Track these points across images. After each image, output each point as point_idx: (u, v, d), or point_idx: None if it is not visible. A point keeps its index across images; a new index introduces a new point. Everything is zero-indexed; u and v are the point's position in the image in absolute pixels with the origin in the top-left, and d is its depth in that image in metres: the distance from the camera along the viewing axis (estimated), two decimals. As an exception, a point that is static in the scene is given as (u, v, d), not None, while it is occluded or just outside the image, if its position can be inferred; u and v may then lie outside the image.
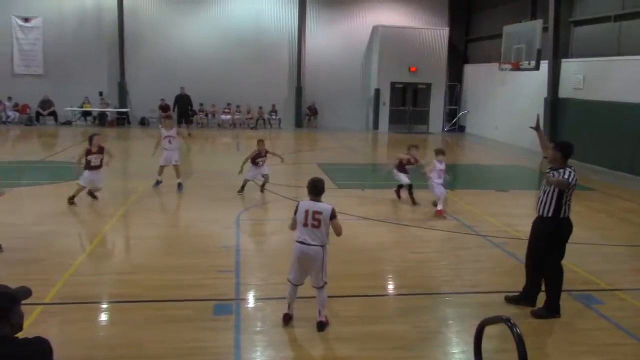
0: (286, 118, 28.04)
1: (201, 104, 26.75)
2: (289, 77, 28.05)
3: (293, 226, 6.07)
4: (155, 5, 26.65)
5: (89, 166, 11.03)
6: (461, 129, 28.69)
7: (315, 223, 5.83)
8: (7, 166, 15.43)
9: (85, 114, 26.32)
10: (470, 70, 28.58)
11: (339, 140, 23.85)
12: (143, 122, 26.73)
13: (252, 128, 26.94)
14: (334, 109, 28.26)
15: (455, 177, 12.79)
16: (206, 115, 27.19)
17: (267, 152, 12.52)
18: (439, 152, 11.56)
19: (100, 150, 11.18)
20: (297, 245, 5.92)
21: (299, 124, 28.23)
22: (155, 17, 26.57)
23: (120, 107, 26.59)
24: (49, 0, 25.72)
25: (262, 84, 27.36)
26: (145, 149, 18.37)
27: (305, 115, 28.25)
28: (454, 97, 29.23)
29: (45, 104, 25.70)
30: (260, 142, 12.46)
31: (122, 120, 26.63)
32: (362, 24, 28.10)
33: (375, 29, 27.76)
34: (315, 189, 5.98)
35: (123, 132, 24.56)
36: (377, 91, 27.63)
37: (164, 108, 25.78)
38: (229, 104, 27.27)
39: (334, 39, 28.09)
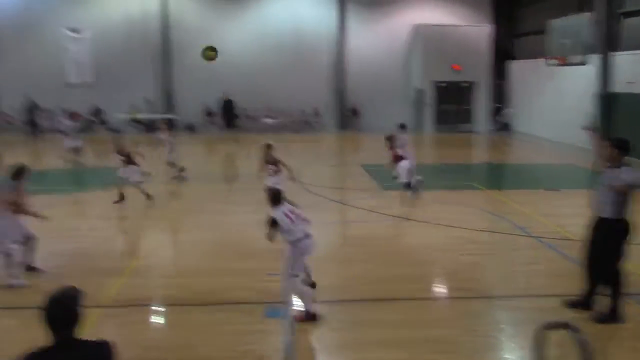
0: (329, 120, 28.08)
1: (244, 109, 27.08)
2: (330, 79, 28.09)
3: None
4: (198, 13, 27.19)
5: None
6: (507, 127, 28.05)
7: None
8: (63, 172, 15.99)
9: (134, 120, 27.03)
10: (516, 67, 27.93)
11: (383, 141, 23.65)
12: (190, 128, 27.25)
13: (295, 131, 27.09)
14: (376, 110, 28.10)
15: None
16: (250, 119, 27.50)
17: (277, 161, 10.48)
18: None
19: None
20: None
21: (341, 125, 28.22)
22: (198, 25, 27.04)
23: (167, 114, 27.18)
24: (97, 12, 26.60)
25: (303, 87, 27.48)
26: (191, 155, 18.72)
27: (348, 116, 28.22)
28: (500, 94, 28.62)
29: (96, 112, 26.55)
30: (267, 147, 10.68)
31: (170, 126, 27.15)
32: (402, 23, 27.89)
33: (416, 27, 27.49)
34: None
35: (170, 138, 25.05)
36: (420, 91, 27.34)
37: (208, 113, 26.23)
38: (271, 108, 27.50)
39: (374, 39, 27.96)
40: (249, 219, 10.72)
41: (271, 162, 10.52)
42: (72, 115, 26.47)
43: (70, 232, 9.80)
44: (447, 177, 16.08)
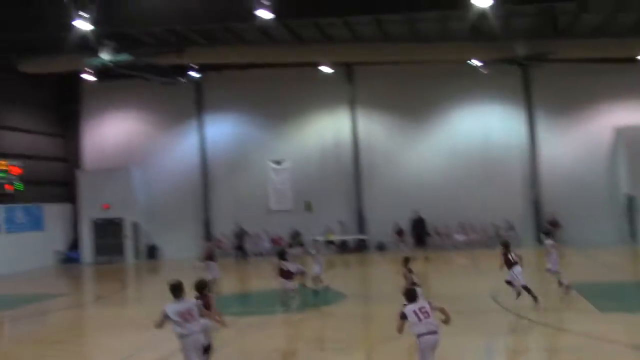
0: (525, 234, 26.36)
1: (435, 226, 26.81)
2: (523, 191, 26.81)
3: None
4: (386, 136, 28.50)
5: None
6: None
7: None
8: (268, 294, 16.96)
9: (329, 242, 28.29)
10: None
11: (592, 255, 21.36)
12: (381, 247, 27.63)
13: (488, 247, 25.81)
14: (580, 221, 25.71)
15: None
16: (440, 236, 27.05)
17: (409, 277, 10.93)
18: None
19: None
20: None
21: (540, 239, 26.22)
22: (386, 147, 28.27)
23: (359, 234, 28.06)
24: (296, 144, 29.36)
25: (495, 200, 26.48)
26: (380, 274, 18.65)
27: (547, 229, 26.24)
28: None
29: (295, 235, 28.41)
30: (404, 261, 11.44)
31: (361, 246, 27.93)
32: (599, 126, 26.14)
33: (618, 130, 25.44)
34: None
35: (363, 258, 25.60)
36: (631, 198, 24.57)
37: (398, 232, 26.44)
38: (462, 224, 26.85)
39: (568, 146, 26.44)
40: (446, 342, 10.08)
41: (406, 277, 11.09)
42: (274, 240, 28.75)
43: (264, 352, 10.13)
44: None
